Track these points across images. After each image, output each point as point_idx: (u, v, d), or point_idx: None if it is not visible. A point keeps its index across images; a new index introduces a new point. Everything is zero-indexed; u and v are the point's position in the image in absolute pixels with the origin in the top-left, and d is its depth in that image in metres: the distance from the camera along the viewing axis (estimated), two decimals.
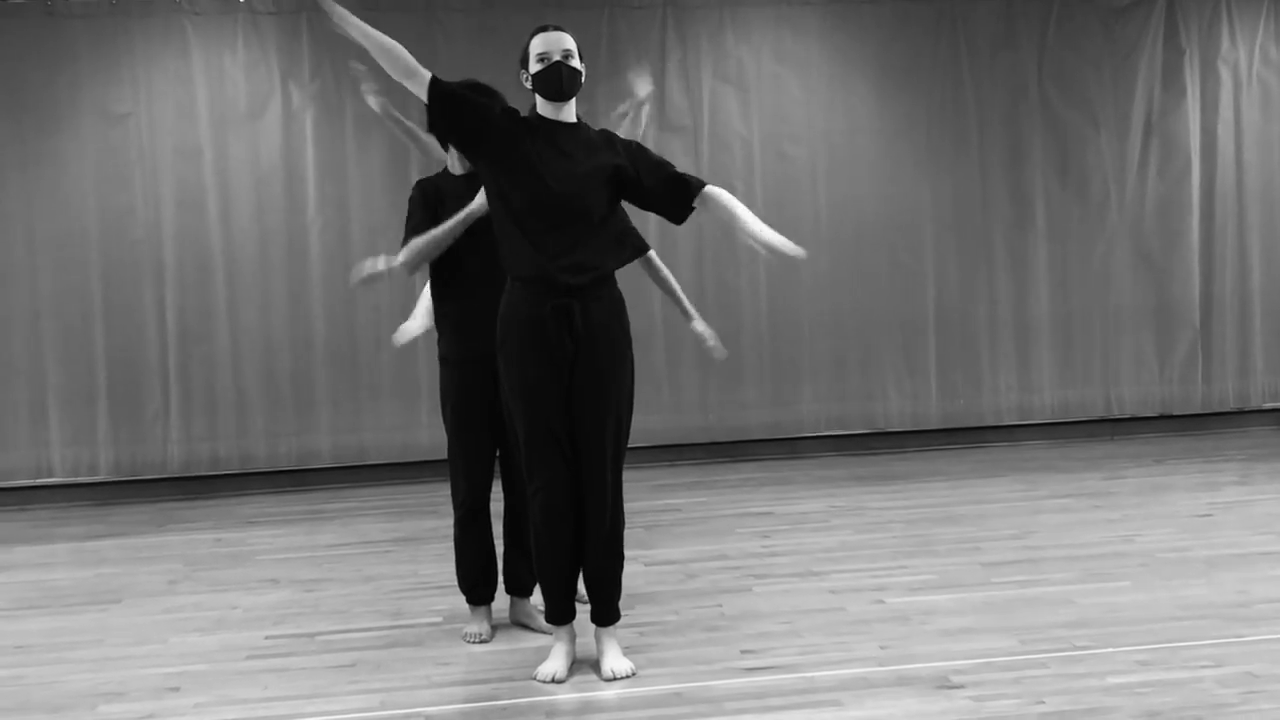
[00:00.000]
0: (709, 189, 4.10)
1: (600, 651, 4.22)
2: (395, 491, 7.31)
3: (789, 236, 8.15)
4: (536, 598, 4.66)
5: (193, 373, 7.45)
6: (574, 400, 4.04)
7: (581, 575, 4.28)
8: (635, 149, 4.12)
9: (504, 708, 3.96)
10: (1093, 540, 5.71)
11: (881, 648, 4.35)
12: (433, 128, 4.30)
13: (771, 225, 4.07)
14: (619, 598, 4.24)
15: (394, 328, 7.61)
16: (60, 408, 7.39)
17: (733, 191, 7.65)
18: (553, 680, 4.12)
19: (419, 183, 4.57)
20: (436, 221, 4.36)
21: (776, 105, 7.92)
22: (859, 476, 7.25)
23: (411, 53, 7.67)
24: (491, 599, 4.70)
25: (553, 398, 4.01)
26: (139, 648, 4.70)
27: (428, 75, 4.01)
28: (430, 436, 7.63)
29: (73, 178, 7.34)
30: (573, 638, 4.25)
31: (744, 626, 4.64)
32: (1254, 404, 8.41)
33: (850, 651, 4.33)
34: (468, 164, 4.43)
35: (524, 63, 4.07)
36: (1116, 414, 8.28)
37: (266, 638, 4.75)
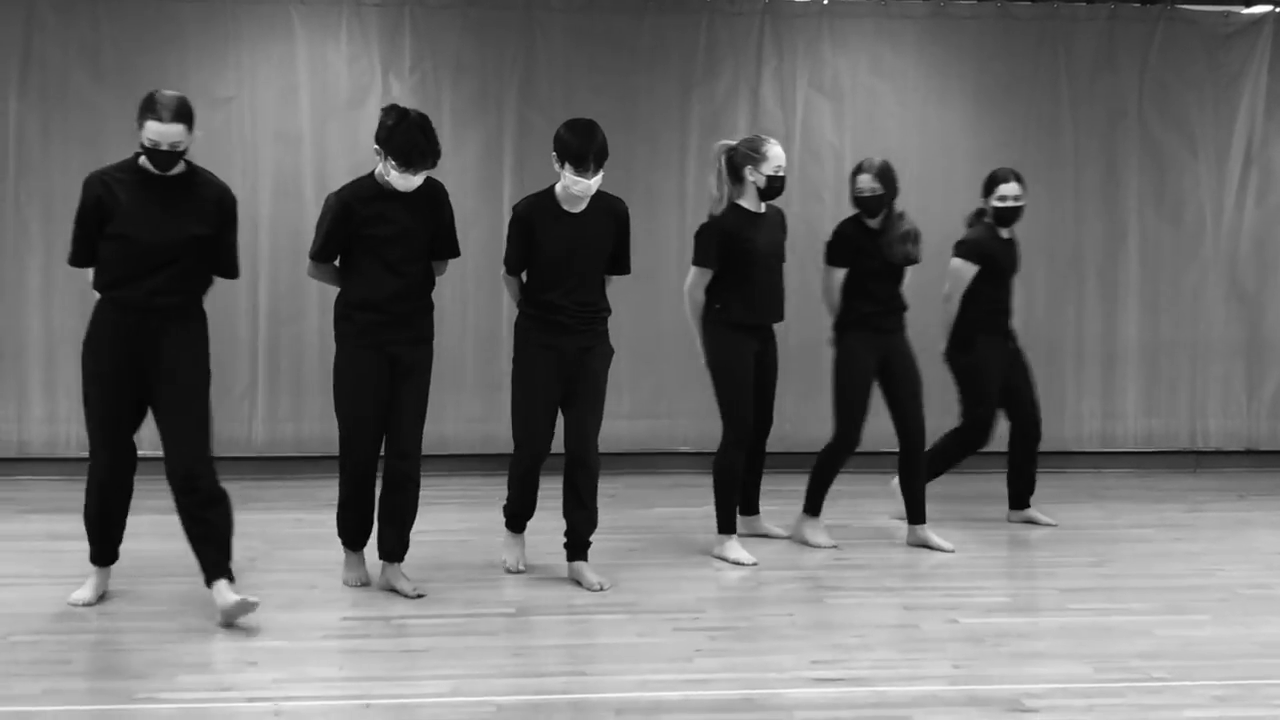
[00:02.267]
0: None
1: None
2: (474, 482, 7.34)
3: None
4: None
5: (281, 354, 7.56)
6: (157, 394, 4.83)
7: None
8: (231, 219, 4.94)
9: (574, 702, 3.99)
10: (1172, 572, 5.65)
11: (954, 667, 4.33)
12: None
13: None
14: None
15: (481, 318, 7.71)
16: None
17: (821, 203, 7.74)
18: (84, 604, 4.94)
19: (338, 194, 5.22)
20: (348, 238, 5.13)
21: (871, 117, 7.88)
22: (935, 495, 7.15)
23: (510, 50, 7.82)
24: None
25: (123, 391, 4.80)
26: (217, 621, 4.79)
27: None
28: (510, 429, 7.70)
29: None
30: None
31: (815, 637, 4.65)
32: None
33: (922, 669, 4.31)
34: (408, 183, 5.03)
35: (140, 121, 4.69)
36: (1201, 446, 8.14)
37: (343, 619, 4.83)
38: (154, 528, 6.27)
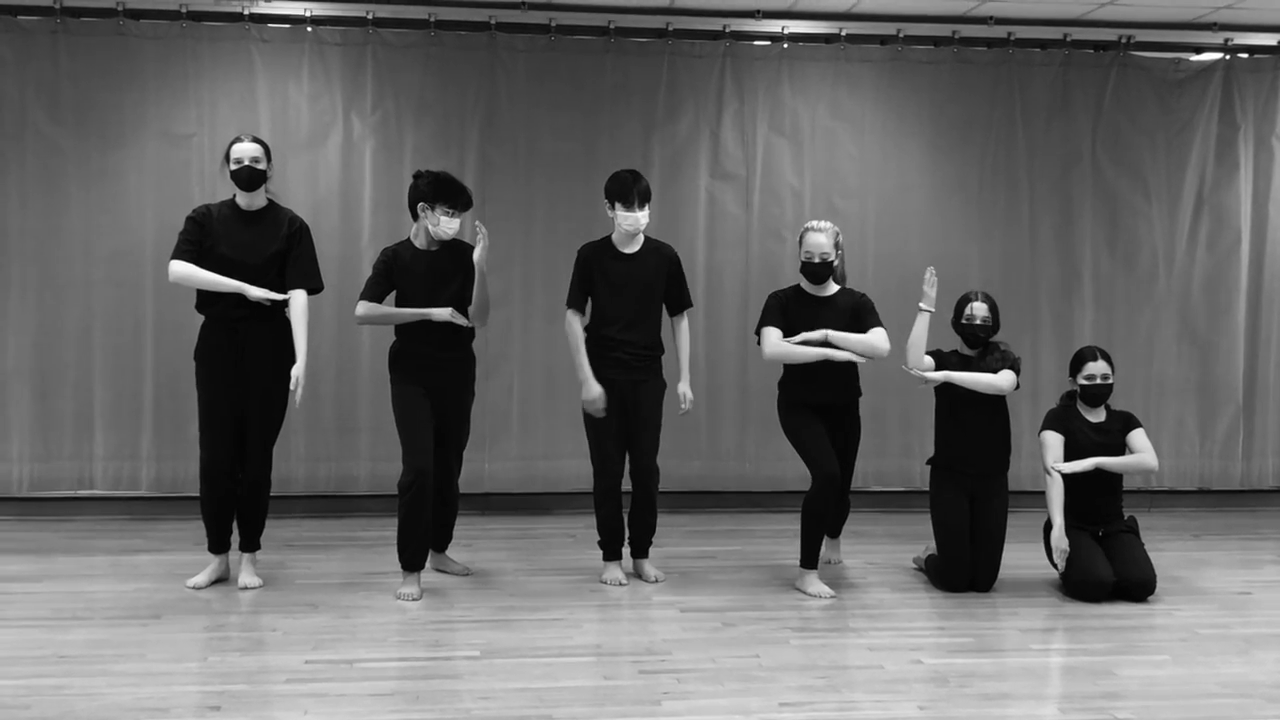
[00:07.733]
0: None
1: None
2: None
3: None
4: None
5: None
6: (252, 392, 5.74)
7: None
8: (299, 238, 5.80)
9: None
10: (1131, 612, 5.69)
11: (920, 708, 4.35)
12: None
13: None
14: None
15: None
16: (106, 421, 7.45)
17: (781, 243, 7.80)
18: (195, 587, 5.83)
19: (383, 250, 5.93)
20: (393, 287, 5.85)
21: (829, 159, 7.95)
22: (894, 534, 7.22)
23: (472, 89, 7.80)
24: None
25: (228, 390, 5.71)
26: (179, 664, 4.73)
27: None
28: (467, 470, 7.69)
29: (133, 195, 7.43)
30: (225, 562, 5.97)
31: (782, 679, 4.64)
32: None
33: (889, 710, 4.32)
34: (453, 226, 5.77)
35: (226, 158, 5.72)
36: (1155, 486, 8.23)
37: (306, 662, 4.78)
38: (111, 569, 6.23)
